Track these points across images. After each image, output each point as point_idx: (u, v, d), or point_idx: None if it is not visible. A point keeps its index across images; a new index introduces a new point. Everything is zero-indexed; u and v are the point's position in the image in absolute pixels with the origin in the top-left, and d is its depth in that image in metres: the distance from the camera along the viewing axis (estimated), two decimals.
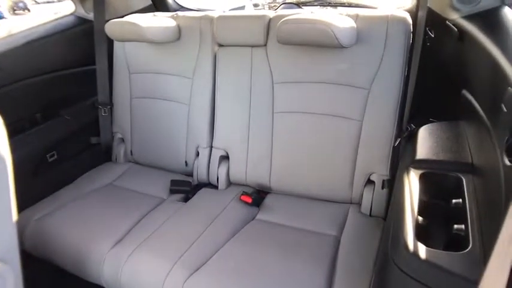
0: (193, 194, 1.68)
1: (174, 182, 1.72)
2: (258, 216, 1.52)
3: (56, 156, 1.83)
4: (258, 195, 1.61)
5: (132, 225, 1.48)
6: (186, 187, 1.71)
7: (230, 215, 1.51)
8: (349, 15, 1.46)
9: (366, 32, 1.43)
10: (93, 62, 1.91)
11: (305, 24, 1.39)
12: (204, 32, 1.70)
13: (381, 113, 1.44)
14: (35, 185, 1.74)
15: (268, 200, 1.61)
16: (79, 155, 1.96)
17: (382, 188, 1.45)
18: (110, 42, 1.89)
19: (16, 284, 1.04)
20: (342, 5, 2.03)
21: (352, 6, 1.99)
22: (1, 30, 1.96)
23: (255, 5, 2.57)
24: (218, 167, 1.71)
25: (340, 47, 1.38)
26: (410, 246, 0.80)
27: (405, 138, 1.41)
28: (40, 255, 1.52)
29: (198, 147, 1.77)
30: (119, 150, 2.00)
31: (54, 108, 1.86)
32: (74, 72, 1.94)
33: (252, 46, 1.62)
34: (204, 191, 1.70)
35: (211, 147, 1.75)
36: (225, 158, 1.72)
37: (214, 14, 1.71)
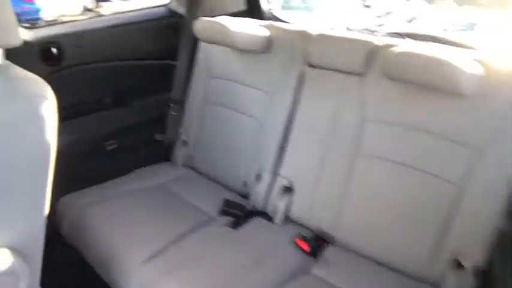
0: (245, 222, 1.50)
1: (227, 203, 1.56)
2: (314, 271, 1.29)
3: (115, 145, 1.76)
4: (317, 244, 1.38)
5: (171, 240, 1.34)
6: (239, 211, 1.53)
7: (281, 260, 1.31)
8: (476, 60, 1.20)
9: (494, 83, 1.16)
10: (174, 57, 1.83)
11: (425, 61, 1.16)
12: (296, 48, 1.53)
13: (492, 181, 1.16)
14: (88, 170, 1.68)
15: (329, 253, 1.37)
16: (139, 149, 1.88)
17: (474, 275, 1.16)
18: (196, 41, 1.79)
19: (31, 284, 0.93)
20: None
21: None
22: (104, 10, 1.97)
23: (348, 29, 2.36)
24: (279, 198, 1.52)
25: (461, 95, 1.13)
26: None
27: None
28: (73, 244, 1.44)
29: (260, 170, 1.59)
30: (180, 153, 1.88)
31: (125, 96, 1.79)
32: (152, 64, 1.87)
33: (348, 73, 1.41)
34: (257, 222, 1.51)
35: (275, 173, 1.56)
36: (289, 189, 1.52)
37: (313, 31, 1.53)
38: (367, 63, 1.36)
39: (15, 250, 0.88)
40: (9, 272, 0.86)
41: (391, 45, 1.29)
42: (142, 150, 1.89)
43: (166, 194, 1.64)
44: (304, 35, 1.52)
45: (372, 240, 1.34)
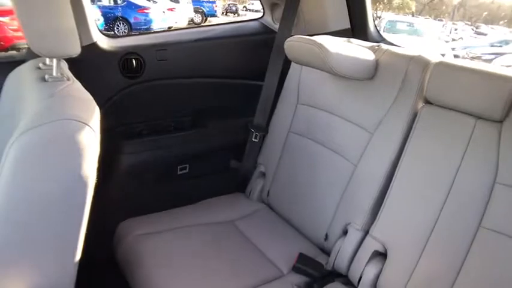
0: (321, 285, 1.22)
1: (302, 258, 1.29)
2: None
3: (187, 170, 1.60)
4: None
5: None
6: (315, 271, 1.26)
7: None
8: None
9: None
10: (261, 78, 1.62)
11: None
12: (410, 78, 1.22)
13: None
14: (154, 194, 1.53)
15: None
16: (211, 176, 1.70)
17: None
18: (287, 61, 1.57)
19: None
20: None
21: None
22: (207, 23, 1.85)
23: (455, 56, 1.96)
24: (367, 263, 1.20)
25: None
26: None
27: None
28: (126, 271, 1.29)
29: (348, 224, 1.29)
30: (256, 186, 1.66)
31: (203, 117, 1.63)
32: (236, 84, 1.69)
33: (478, 117, 1.07)
34: (335, 287, 1.21)
35: (366, 232, 1.24)
36: (381, 255, 1.20)
37: (432, 58, 1.21)
38: (508, 105, 1.01)
39: None
40: None
41: None
42: (215, 178, 1.71)
43: (233, 233, 1.43)
44: (420, 62, 1.21)
45: None
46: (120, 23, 10.34)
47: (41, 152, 0.68)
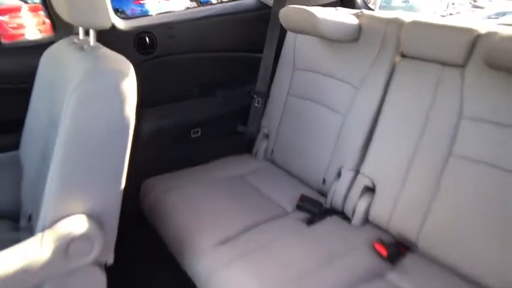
0: (320, 219, 1.43)
1: (303, 198, 1.50)
2: (390, 277, 1.18)
3: (199, 134, 1.80)
4: (397, 250, 1.26)
5: (243, 229, 1.33)
6: (315, 208, 1.47)
7: (356, 262, 1.21)
8: None
9: None
10: (260, 50, 1.82)
11: None
12: (388, 37, 1.41)
13: None
14: (172, 155, 1.74)
15: (408, 260, 1.24)
16: (221, 139, 1.91)
17: None
18: (283, 33, 1.76)
19: (105, 251, 0.98)
20: None
21: None
22: None
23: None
24: (359, 198, 1.42)
25: None
26: None
27: None
28: (153, 224, 1.50)
29: (341, 167, 1.50)
30: (261, 146, 1.87)
31: (210, 87, 1.83)
32: (238, 57, 1.89)
33: (444, 64, 1.26)
34: (333, 220, 1.43)
35: (357, 171, 1.45)
36: (370, 190, 1.41)
37: (407, 18, 1.40)
38: (469, 53, 1.20)
39: (91, 217, 0.93)
40: (85, 236, 0.91)
41: (497, 32, 1.13)
42: (224, 141, 1.91)
43: (243, 184, 1.64)
44: (396, 23, 1.40)
45: (458, 252, 1.17)
46: (117, 15, 10.43)
47: (95, 99, 0.89)
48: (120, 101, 0.90)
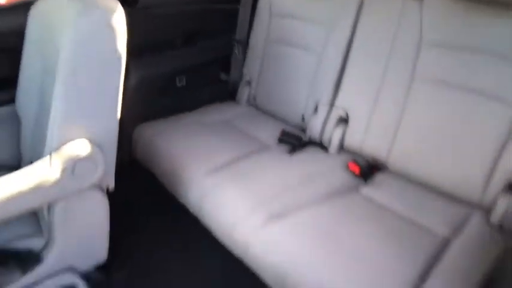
0: (301, 150, 1.57)
1: (284, 133, 1.63)
2: (363, 191, 1.33)
3: (184, 82, 1.90)
4: (369, 169, 1.41)
5: (230, 160, 1.45)
6: (295, 141, 1.60)
7: (331, 179, 1.36)
8: None
9: None
10: (238, 1, 1.91)
11: None
12: None
13: None
14: (159, 104, 1.84)
15: (380, 177, 1.40)
16: (205, 88, 2.01)
17: None
18: None
19: (107, 174, 1.09)
20: None
21: None
22: None
23: None
24: (334, 129, 1.55)
25: None
26: None
27: None
28: (147, 167, 1.61)
29: (318, 102, 1.63)
30: (243, 92, 1.98)
31: (193, 37, 1.91)
32: (219, 8, 1.97)
33: None
34: (312, 150, 1.57)
35: (332, 105, 1.59)
36: (344, 121, 1.55)
37: None
38: None
39: (93, 142, 1.04)
40: (89, 158, 1.02)
41: None
42: (208, 89, 2.02)
43: (229, 127, 1.76)
44: None
45: (424, 166, 1.33)
46: None
47: (88, 36, 0.98)
48: (112, 35, 0.99)
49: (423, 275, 0.98)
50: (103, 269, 1.30)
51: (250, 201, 1.21)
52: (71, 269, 1.20)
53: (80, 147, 1.02)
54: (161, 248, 1.46)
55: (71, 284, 1.17)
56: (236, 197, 1.25)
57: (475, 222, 1.18)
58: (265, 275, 1.10)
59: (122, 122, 1.73)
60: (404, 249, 1.05)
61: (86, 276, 1.20)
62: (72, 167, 1.00)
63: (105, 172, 1.08)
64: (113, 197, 1.22)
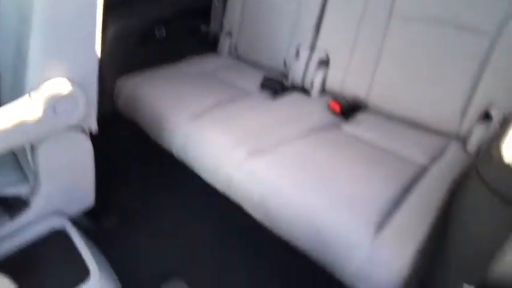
0: (283, 94, 1.58)
1: (266, 78, 1.63)
2: (344, 128, 1.36)
3: (164, 33, 1.87)
4: (350, 108, 1.43)
5: (213, 106, 1.46)
6: (278, 86, 1.61)
7: (313, 118, 1.38)
8: None
9: None
10: None
11: None
12: None
13: None
14: (140, 55, 1.81)
15: (361, 115, 1.43)
16: (186, 39, 1.98)
17: (500, 125, 1.16)
18: None
19: (88, 114, 1.09)
20: None
21: None
22: None
23: None
24: (316, 71, 1.56)
25: None
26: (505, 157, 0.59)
27: None
28: (130, 118, 1.61)
29: (299, 46, 1.63)
30: (225, 44, 1.97)
31: None
32: None
33: None
34: (294, 94, 1.58)
35: (312, 48, 1.59)
36: (325, 63, 1.56)
37: None
38: None
39: (73, 80, 1.03)
40: (69, 96, 1.02)
41: None
42: (189, 41, 1.99)
43: (211, 77, 1.75)
44: None
45: (403, 102, 1.36)
46: None
47: None
48: None
49: (400, 198, 1.02)
50: (92, 216, 1.33)
51: (233, 140, 1.23)
52: (58, 213, 1.22)
53: (60, 85, 1.01)
54: (149, 194, 1.48)
55: (60, 227, 1.19)
56: (219, 137, 1.26)
57: (452, 151, 1.22)
58: (250, 207, 1.13)
59: (103, 74, 1.72)
60: (384, 175, 1.08)
61: (75, 223, 1.22)
62: (53, 104, 1.00)
63: (86, 113, 1.08)
64: (99, 148, 1.24)
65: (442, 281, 0.83)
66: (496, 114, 1.17)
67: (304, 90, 1.61)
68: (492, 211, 0.58)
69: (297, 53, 1.63)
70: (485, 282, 0.36)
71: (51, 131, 1.05)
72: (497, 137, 0.69)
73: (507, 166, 0.58)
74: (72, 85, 1.03)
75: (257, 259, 1.21)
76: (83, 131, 1.16)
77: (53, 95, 0.99)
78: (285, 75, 1.71)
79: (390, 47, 1.38)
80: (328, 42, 1.54)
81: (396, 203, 1.00)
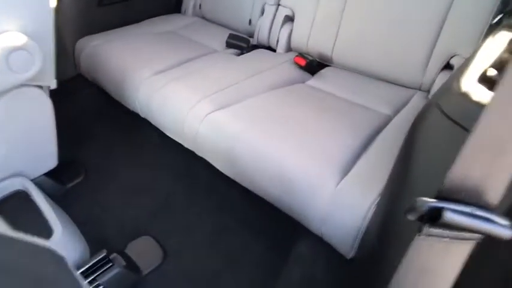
0: (249, 52, 1.56)
1: (232, 36, 1.61)
2: (308, 82, 1.37)
3: None
4: (315, 63, 1.43)
5: (177, 63, 1.43)
6: (243, 43, 1.59)
7: (277, 72, 1.38)
8: None
9: None
10: None
11: None
12: None
13: None
14: (102, 16, 1.74)
15: (326, 70, 1.44)
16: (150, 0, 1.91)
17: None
18: None
19: (45, 66, 1.05)
20: None
21: None
22: None
23: None
24: (281, 28, 1.55)
25: None
26: (464, 87, 0.61)
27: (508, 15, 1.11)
28: (92, 79, 1.56)
29: (264, 4, 1.60)
30: (189, 2, 1.91)
31: None
32: None
33: None
34: (260, 51, 1.57)
35: (278, 5, 1.57)
36: (290, 20, 1.54)
37: None
38: None
39: (26, 33, 0.98)
40: (23, 49, 0.97)
41: None
42: (152, 1, 1.92)
43: (175, 36, 1.70)
44: None
45: (367, 56, 1.37)
46: None
47: None
48: None
49: (364, 146, 1.04)
50: (55, 176, 1.29)
51: (197, 94, 1.21)
52: (20, 175, 1.18)
53: (13, 38, 0.96)
54: (113, 153, 1.45)
55: (22, 188, 1.15)
56: (183, 92, 1.24)
57: (415, 101, 1.25)
58: (216, 160, 1.14)
59: (62, 35, 1.64)
60: (349, 125, 1.10)
61: (38, 185, 1.19)
62: (6, 57, 0.95)
63: (43, 69, 1.03)
64: (61, 109, 1.19)
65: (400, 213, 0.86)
66: (457, 64, 1.20)
67: (271, 49, 1.60)
68: (453, 141, 0.60)
69: (263, 11, 1.61)
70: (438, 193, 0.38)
71: (5, 86, 1.00)
72: (457, 72, 0.71)
73: (467, 97, 0.59)
74: (26, 38, 0.98)
75: (224, 211, 1.22)
76: (41, 88, 1.11)
77: (5, 47, 0.94)
78: (251, 35, 1.68)
79: (353, 2, 1.37)
80: None
81: (360, 151, 1.02)
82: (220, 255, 1.10)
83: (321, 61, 1.48)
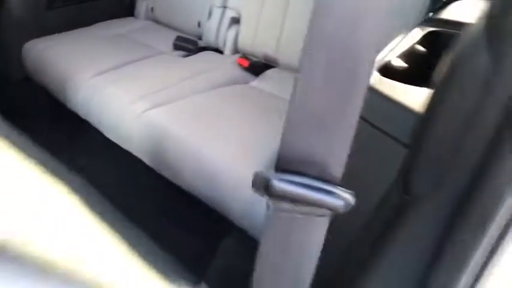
0: (196, 54, 1.56)
1: (179, 38, 1.61)
2: (251, 83, 1.37)
3: None
4: (260, 66, 1.44)
5: (119, 64, 1.42)
6: (190, 45, 1.58)
7: (220, 73, 1.38)
8: None
9: None
10: None
11: None
12: None
13: None
14: (51, 19, 1.71)
15: (271, 72, 1.44)
16: (100, 2, 1.89)
17: None
18: None
19: None
20: None
21: None
22: None
23: None
24: (227, 30, 1.56)
25: None
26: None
27: None
28: (38, 81, 1.53)
29: (212, 6, 1.61)
30: (141, 6, 1.90)
31: None
32: None
33: None
34: (206, 53, 1.57)
35: (225, 7, 1.58)
36: (237, 22, 1.55)
37: None
38: None
39: None
40: None
41: None
42: (104, 4, 1.90)
43: (124, 39, 1.68)
44: None
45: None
46: None
47: None
48: None
49: None
50: None
51: (135, 94, 1.20)
52: None
53: None
54: (53, 155, 1.41)
55: None
56: (121, 92, 1.23)
57: None
58: (149, 160, 1.12)
59: (9, 38, 1.61)
60: (282, 123, 1.10)
61: None
62: None
63: None
64: (5, 113, 1.15)
65: None
66: None
67: (218, 51, 1.60)
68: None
69: (210, 13, 1.61)
70: None
71: None
72: None
73: None
74: None
75: (163, 214, 1.20)
76: None
77: None
78: (200, 37, 1.69)
79: (297, 2, 1.39)
80: (239, 0, 1.53)
81: None
82: None
83: (266, 62, 1.49)
